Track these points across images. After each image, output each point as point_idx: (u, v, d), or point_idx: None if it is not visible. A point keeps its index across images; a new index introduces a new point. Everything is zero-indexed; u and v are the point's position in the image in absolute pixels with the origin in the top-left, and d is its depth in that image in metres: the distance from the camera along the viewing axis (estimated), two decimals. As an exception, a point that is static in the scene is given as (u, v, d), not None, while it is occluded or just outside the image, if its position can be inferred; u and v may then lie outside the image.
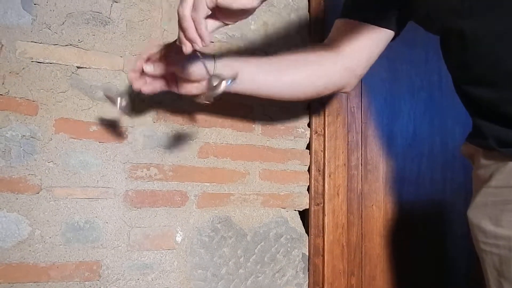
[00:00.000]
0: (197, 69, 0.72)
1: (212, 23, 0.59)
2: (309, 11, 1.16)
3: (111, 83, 0.90)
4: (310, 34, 1.15)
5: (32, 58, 0.83)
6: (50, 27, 0.85)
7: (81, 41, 0.88)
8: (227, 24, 0.61)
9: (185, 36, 0.58)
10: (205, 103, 0.69)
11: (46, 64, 0.84)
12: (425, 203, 1.34)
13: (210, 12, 0.57)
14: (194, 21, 0.56)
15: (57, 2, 0.85)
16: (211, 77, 0.67)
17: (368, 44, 0.83)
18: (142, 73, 0.75)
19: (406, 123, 1.32)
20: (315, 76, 0.83)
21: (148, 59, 0.74)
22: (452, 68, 0.75)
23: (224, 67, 0.74)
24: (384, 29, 0.81)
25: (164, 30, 0.96)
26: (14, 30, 0.82)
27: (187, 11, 0.56)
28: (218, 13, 0.58)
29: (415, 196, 1.32)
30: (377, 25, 0.81)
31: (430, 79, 1.37)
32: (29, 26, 0.83)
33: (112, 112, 0.89)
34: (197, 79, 0.74)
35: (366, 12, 0.81)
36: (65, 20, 0.86)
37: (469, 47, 0.66)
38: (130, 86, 0.76)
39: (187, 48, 0.59)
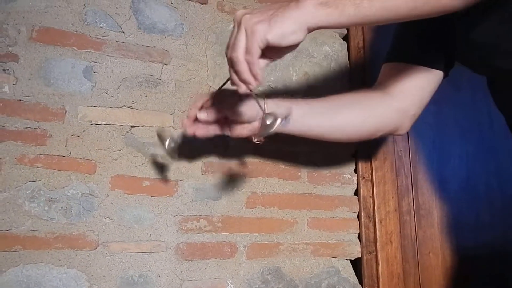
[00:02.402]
0: (249, 110, 0.75)
1: (261, 62, 0.60)
2: (348, 59, 1.19)
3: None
4: (351, 82, 1.17)
5: (91, 121, 0.90)
6: (107, 91, 0.92)
7: (135, 102, 0.94)
8: (274, 60, 0.62)
9: (240, 78, 0.59)
10: (258, 142, 0.72)
11: (104, 125, 0.91)
12: (486, 249, 1.26)
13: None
14: (248, 64, 0.58)
15: (114, 69, 0.93)
16: (265, 115, 0.67)
17: (418, 85, 0.82)
18: (196, 120, 0.77)
19: (458, 166, 1.27)
20: (367, 118, 0.83)
21: (201, 107, 0.77)
22: (504, 108, 0.72)
23: (276, 106, 0.74)
24: (433, 69, 0.81)
25: (210, 86, 1.01)
26: (76, 97, 0.89)
27: (241, 55, 0.57)
28: (266, 51, 0.59)
29: (474, 242, 1.24)
30: (424, 66, 0.81)
31: (479, 120, 1.33)
32: (89, 92, 0.90)
33: (163, 165, 0.93)
34: (249, 120, 0.77)
35: (413, 54, 0.81)
36: (121, 84, 0.93)
37: None
38: (181, 133, 0.78)
39: (242, 89, 0.60)
